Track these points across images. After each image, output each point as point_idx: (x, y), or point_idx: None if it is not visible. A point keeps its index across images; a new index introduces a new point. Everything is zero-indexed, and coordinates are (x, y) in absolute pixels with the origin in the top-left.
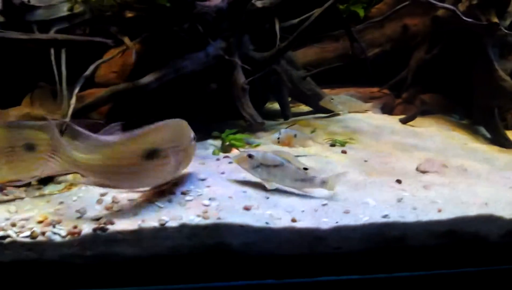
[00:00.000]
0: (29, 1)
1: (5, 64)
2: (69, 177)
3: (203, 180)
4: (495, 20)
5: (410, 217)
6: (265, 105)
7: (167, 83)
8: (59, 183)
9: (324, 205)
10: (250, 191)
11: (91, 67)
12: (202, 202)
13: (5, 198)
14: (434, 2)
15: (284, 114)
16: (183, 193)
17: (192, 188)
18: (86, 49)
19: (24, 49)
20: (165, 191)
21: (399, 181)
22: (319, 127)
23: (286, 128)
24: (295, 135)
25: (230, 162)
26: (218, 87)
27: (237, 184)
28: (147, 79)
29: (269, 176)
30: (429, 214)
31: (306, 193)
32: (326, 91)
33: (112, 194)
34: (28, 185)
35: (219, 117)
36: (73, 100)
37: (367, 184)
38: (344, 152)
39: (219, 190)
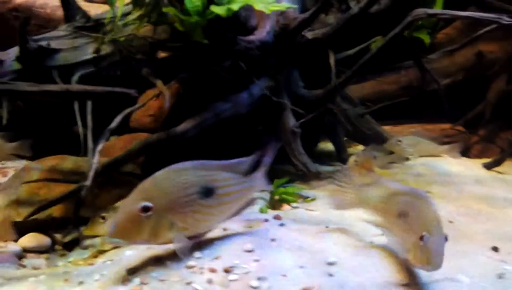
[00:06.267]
0: (49, 44)
1: None
2: (97, 240)
3: (250, 251)
4: None
5: None
6: (316, 146)
7: (206, 129)
8: (86, 248)
9: (404, 285)
10: (308, 265)
11: (118, 118)
12: (249, 282)
13: (18, 273)
14: None
15: (341, 157)
16: (226, 271)
17: (237, 263)
18: (107, 100)
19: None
20: (204, 268)
21: (495, 249)
22: (385, 174)
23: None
24: (375, 157)
25: (281, 224)
26: (265, 129)
27: (292, 256)
28: (184, 126)
29: None
30: None
31: None
32: (386, 128)
33: (140, 273)
34: (52, 250)
35: None
36: (96, 159)
37: (456, 254)
38: None
39: (270, 266)
